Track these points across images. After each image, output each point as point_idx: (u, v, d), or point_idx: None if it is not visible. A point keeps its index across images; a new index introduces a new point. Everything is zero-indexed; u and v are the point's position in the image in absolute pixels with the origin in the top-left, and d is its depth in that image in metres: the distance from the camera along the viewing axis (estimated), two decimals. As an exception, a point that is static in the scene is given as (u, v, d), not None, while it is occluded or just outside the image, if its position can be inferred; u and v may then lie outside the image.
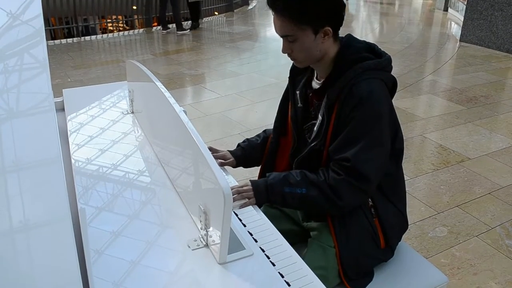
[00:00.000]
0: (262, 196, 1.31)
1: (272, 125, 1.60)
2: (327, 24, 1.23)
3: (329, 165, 1.30)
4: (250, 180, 1.35)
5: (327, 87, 1.30)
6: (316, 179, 1.28)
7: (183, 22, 8.27)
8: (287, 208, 1.47)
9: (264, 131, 1.67)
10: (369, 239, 1.35)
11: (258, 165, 1.66)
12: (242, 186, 1.34)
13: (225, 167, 1.60)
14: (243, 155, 1.62)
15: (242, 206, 1.28)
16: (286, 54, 1.31)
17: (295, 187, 1.29)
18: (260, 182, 1.34)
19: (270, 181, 1.32)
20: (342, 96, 1.25)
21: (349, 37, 1.34)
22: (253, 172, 2.90)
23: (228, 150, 1.63)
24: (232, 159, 1.60)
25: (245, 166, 1.66)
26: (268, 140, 1.62)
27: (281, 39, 1.29)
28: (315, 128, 1.35)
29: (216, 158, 1.59)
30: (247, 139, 1.66)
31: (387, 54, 1.33)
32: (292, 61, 1.37)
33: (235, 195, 1.30)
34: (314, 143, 1.34)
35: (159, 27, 8.45)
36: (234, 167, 1.63)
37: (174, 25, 8.04)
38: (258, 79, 5.34)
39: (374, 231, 1.35)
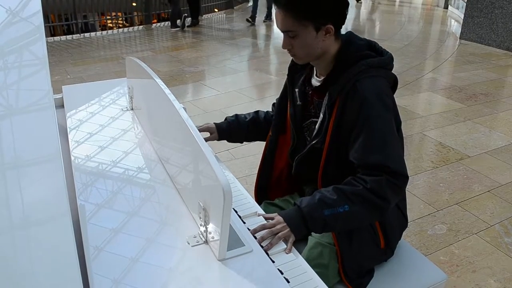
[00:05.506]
0: (300, 228, 1.18)
1: (266, 110, 1.63)
2: (329, 22, 1.23)
3: (357, 172, 1.23)
4: (278, 213, 1.22)
5: (329, 84, 1.29)
6: (353, 189, 1.20)
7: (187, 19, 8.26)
8: (326, 232, 1.31)
9: (256, 111, 1.68)
10: (369, 239, 1.35)
11: (241, 142, 1.71)
12: (272, 224, 1.18)
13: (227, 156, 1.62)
14: (228, 129, 1.64)
15: (288, 251, 1.12)
16: (285, 51, 1.31)
17: (335, 207, 1.18)
18: (292, 214, 1.21)
19: (306, 209, 1.19)
20: (344, 92, 1.24)
21: (350, 34, 1.33)
22: (253, 169, 2.91)
23: (214, 123, 1.65)
24: (215, 133, 1.63)
25: (229, 141, 1.68)
26: (257, 121, 1.64)
27: (280, 37, 1.28)
28: (316, 126, 1.35)
29: (200, 131, 1.59)
30: (235, 114, 1.68)
31: (388, 52, 1.33)
32: (291, 58, 1.37)
33: (269, 237, 1.15)
34: (315, 141, 1.34)
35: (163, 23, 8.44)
36: (217, 140, 1.65)
37: (181, 22, 8.03)
38: (257, 76, 5.33)
39: (374, 231, 1.35)
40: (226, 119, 1.67)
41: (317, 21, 1.22)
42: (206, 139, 1.59)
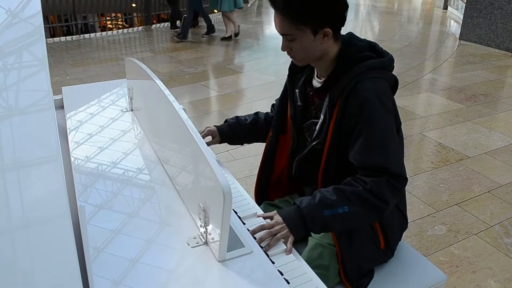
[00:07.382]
0: (300, 228, 1.18)
1: (265, 111, 1.62)
2: (327, 25, 1.22)
3: (357, 173, 1.23)
4: (277, 212, 1.23)
5: (330, 86, 1.29)
6: (353, 190, 1.19)
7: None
8: (325, 232, 1.32)
9: (256, 113, 1.68)
10: (369, 240, 1.35)
11: (242, 144, 1.71)
12: (271, 224, 1.18)
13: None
14: (229, 132, 1.63)
15: (288, 252, 1.12)
16: (285, 52, 1.31)
17: (335, 208, 1.18)
18: (291, 213, 1.20)
19: (305, 209, 1.19)
20: (344, 94, 1.24)
21: (351, 35, 1.33)
22: (253, 170, 2.91)
23: (214, 125, 1.64)
24: (217, 137, 1.62)
25: (230, 143, 1.68)
26: (258, 122, 1.64)
27: (280, 37, 1.28)
28: (316, 127, 1.35)
29: (203, 136, 1.59)
30: (236, 116, 1.67)
31: (389, 53, 1.32)
32: (290, 59, 1.37)
33: (267, 238, 1.14)
34: (315, 142, 1.34)
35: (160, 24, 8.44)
36: (219, 143, 1.65)
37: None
38: (257, 77, 5.33)
39: (374, 232, 1.35)
40: (226, 121, 1.66)
41: (314, 25, 1.21)
42: (208, 144, 1.58)
